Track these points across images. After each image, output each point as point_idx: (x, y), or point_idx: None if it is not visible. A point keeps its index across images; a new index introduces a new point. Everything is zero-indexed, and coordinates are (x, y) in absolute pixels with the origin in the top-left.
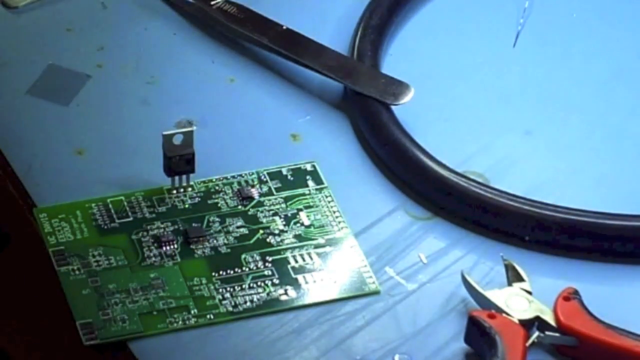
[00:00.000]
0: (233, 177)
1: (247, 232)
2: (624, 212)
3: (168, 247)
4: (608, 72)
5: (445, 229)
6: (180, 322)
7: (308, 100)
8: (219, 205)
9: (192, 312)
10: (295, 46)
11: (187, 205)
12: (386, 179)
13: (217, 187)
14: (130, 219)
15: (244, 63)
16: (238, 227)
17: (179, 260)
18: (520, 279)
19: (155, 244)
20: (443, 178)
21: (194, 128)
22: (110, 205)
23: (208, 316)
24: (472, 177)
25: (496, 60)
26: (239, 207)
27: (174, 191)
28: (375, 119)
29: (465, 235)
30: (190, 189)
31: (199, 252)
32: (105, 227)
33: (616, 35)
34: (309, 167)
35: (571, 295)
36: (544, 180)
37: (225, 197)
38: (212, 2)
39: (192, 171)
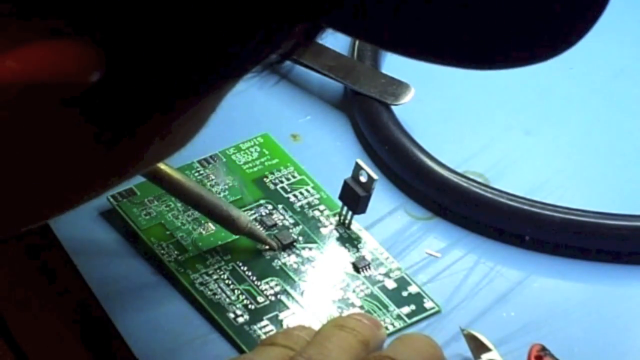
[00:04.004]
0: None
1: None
2: (624, 212)
3: None
4: (608, 72)
5: (445, 229)
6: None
7: (308, 100)
8: None
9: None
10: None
11: None
12: (386, 179)
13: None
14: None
15: None
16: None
17: None
18: (485, 349)
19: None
20: (443, 178)
21: (376, 179)
22: None
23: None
24: (472, 177)
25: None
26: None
27: None
28: (375, 119)
29: (465, 235)
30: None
31: None
32: None
33: (616, 35)
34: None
35: (541, 353)
36: (544, 180)
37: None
38: None
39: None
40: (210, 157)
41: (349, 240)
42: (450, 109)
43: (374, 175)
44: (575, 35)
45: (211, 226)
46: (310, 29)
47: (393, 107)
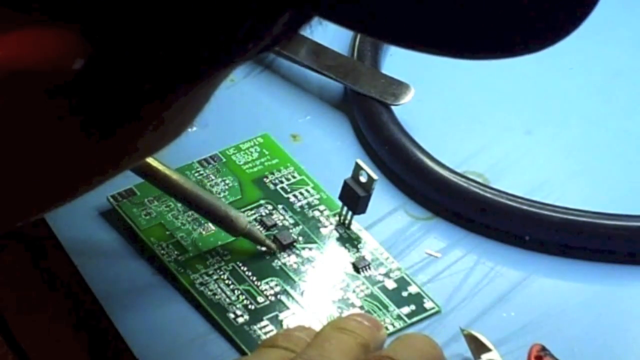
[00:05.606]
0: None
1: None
2: (624, 212)
3: None
4: (608, 72)
5: (445, 229)
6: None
7: (308, 100)
8: None
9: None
10: (295, 46)
11: None
12: (386, 179)
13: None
14: None
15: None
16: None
17: None
18: (485, 349)
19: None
20: (443, 178)
21: (376, 179)
22: None
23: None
24: (472, 177)
25: (496, 60)
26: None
27: None
28: (375, 119)
29: (465, 235)
30: None
31: None
32: None
33: (616, 35)
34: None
35: (541, 353)
36: (544, 180)
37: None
38: None
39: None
40: (210, 157)
41: (349, 240)
42: (450, 109)
43: (374, 176)
44: (572, 22)
45: (211, 226)
46: (299, 16)
47: (393, 107)
